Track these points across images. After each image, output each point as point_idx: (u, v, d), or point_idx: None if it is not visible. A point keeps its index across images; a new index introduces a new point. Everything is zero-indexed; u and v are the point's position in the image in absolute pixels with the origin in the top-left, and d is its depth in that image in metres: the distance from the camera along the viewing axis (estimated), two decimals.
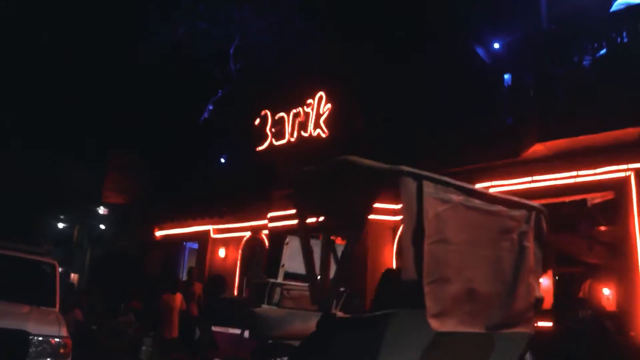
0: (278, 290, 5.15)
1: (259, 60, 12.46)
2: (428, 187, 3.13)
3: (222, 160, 14.77)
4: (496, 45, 9.99)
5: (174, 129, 14.78)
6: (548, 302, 7.99)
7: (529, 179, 8.52)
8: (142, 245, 14.89)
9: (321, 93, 10.35)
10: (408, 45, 10.27)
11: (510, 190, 8.59)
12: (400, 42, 10.27)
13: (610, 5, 8.29)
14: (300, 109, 10.65)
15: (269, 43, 12.80)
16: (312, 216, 4.75)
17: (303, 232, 4.28)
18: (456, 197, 3.25)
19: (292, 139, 10.75)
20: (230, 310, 7.02)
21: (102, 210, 16.85)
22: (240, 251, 12.41)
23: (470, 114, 9.22)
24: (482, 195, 3.47)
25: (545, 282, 8.41)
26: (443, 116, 9.59)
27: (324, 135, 10.19)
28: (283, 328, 4.82)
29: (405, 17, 10.39)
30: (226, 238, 12.86)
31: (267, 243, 11.71)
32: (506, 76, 9.34)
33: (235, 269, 12.32)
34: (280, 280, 5.19)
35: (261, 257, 12.00)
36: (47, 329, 5.54)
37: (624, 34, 7.87)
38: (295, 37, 12.50)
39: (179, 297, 9.07)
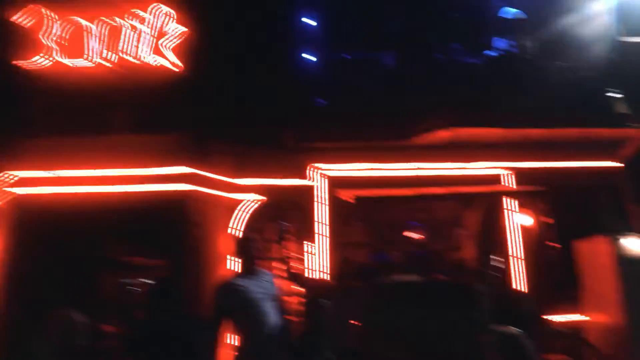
0: None
1: None
2: None
3: None
4: None
5: None
6: None
7: (414, 165, 7.90)
8: None
9: (161, 6, 7.17)
10: None
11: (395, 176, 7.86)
12: None
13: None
14: (119, 20, 7.09)
15: None
16: None
17: None
18: None
19: (101, 60, 7.03)
20: None
21: None
22: None
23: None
24: None
25: None
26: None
27: (171, 66, 7.02)
28: None
29: None
30: None
31: None
32: None
33: None
34: None
35: None
36: None
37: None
38: None
39: None
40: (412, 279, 4.34)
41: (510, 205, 7.65)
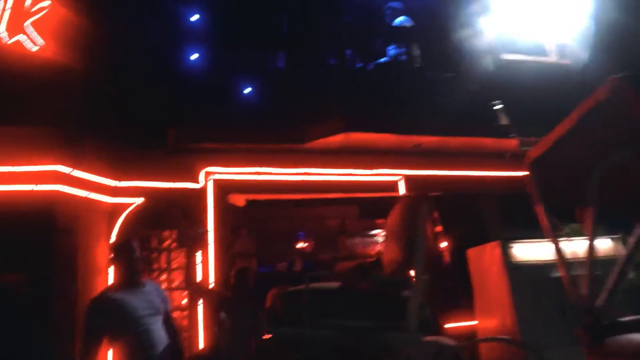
0: None
1: None
2: None
3: None
4: None
5: None
6: None
7: (303, 170, 7.62)
8: None
9: None
10: None
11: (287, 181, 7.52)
12: None
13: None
14: None
15: None
16: None
17: None
18: None
19: None
20: None
21: None
22: None
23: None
24: None
25: None
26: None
27: (33, 48, 6.07)
28: None
29: None
30: None
31: None
32: None
33: None
34: None
35: None
36: None
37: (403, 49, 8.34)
38: None
39: None
40: (330, 286, 3.97)
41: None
